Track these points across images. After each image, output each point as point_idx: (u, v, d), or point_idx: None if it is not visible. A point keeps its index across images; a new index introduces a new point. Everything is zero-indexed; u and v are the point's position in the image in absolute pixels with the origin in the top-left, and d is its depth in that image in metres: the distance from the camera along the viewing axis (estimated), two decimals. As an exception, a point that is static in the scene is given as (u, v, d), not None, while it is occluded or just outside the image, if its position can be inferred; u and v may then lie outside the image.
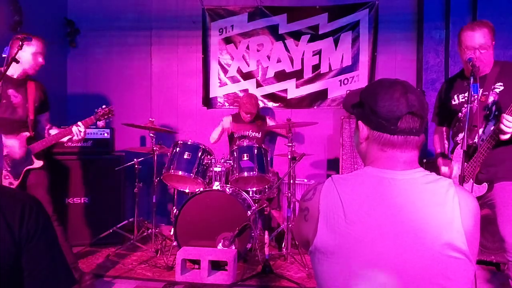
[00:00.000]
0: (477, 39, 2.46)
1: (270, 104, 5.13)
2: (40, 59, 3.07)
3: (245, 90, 5.06)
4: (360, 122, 1.22)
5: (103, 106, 3.33)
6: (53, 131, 3.20)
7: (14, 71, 3.02)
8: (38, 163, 3.04)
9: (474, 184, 2.47)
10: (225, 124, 4.64)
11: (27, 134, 3.02)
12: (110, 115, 3.35)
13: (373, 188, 1.11)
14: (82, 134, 3.13)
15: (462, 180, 2.33)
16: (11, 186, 2.84)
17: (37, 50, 3.03)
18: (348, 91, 4.55)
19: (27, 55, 2.98)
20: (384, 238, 1.05)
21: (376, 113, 1.14)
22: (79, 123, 3.13)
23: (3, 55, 2.78)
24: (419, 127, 1.14)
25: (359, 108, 1.22)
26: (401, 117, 1.12)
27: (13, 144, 2.92)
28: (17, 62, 2.88)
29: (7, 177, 2.91)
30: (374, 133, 1.17)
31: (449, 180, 1.12)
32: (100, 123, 4.51)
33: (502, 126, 2.28)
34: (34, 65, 3.04)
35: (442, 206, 1.07)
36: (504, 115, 2.27)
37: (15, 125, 3.00)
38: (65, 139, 3.14)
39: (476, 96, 2.38)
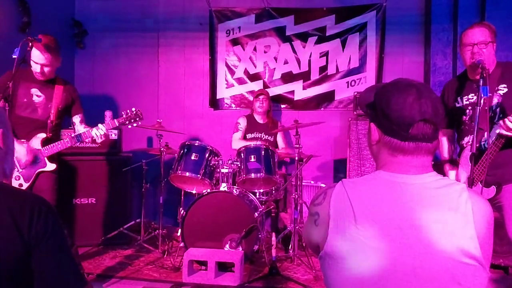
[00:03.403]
0: (475, 36, 2.48)
1: (277, 106, 5.13)
2: (37, 69, 2.95)
3: (252, 92, 5.07)
4: (372, 124, 1.20)
5: (133, 109, 3.21)
6: (83, 131, 3.11)
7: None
8: (50, 166, 3.00)
9: (483, 187, 2.46)
10: (242, 125, 4.65)
11: (43, 135, 2.99)
12: (137, 119, 3.22)
13: (384, 192, 1.10)
14: (102, 137, 3.05)
15: (471, 182, 2.32)
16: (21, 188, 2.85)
17: (36, 60, 2.94)
18: (355, 93, 4.54)
19: (32, 62, 2.95)
20: (395, 244, 1.03)
21: (387, 118, 1.12)
22: (100, 125, 3.05)
23: (13, 56, 2.79)
24: (432, 133, 1.11)
25: (372, 109, 1.20)
26: (413, 124, 1.09)
27: (19, 150, 2.88)
28: (26, 63, 2.90)
29: (17, 178, 2.91)
30: (385, 137, 1.15)
31: (462, 185, 1.10)
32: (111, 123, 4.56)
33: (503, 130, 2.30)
34: (38, 72, 2.98)
35: (455, 211, 1.05)
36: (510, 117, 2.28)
37: (32, 124, 2.99)
38: (87, 139, 3.08)
39: (484, 99, 2.37)
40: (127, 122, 3.20)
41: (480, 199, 1.10)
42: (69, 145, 3.03)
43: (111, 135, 4.31)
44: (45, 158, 2.99)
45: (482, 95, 2.29)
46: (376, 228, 1.05)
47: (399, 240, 1.04)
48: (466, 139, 2.64)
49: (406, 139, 1.11)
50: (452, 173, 2.71)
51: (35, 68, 2.96)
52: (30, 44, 2.84)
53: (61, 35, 4.93)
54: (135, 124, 3.23)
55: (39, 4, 4.36)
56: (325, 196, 1.15)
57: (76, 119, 3.24)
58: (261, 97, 4.61)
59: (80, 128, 3.22)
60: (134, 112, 3.21)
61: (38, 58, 2.93)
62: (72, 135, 3.07)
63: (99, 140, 3.08)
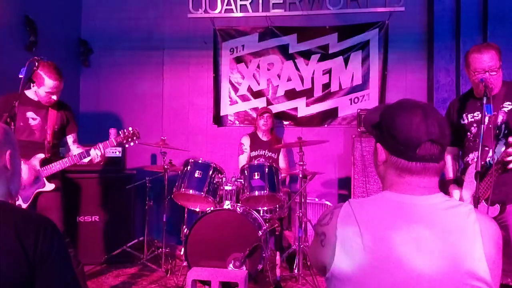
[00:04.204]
0: (486, 62, 2.48)
1: (280, 123, 5.14)
2: (54, 97, 3.02)
3: (255, 109, 5.09)
4: (378, 145, 1.20)
5: (130, 128, 3.25)
6: (77, 151, 3.15)
7: (33, 95, 3.03)
8: (49, 186, 2.99)
9: (486, 205, 2.43)
10: (247, 146, 4.67)
11: (42, 156, 2.99)
12: (135, 138, 3.25)
13: (392, 214, 1.09)
14: (99, 157, 3.07)
15: (476, 201, 2.30)
16: None
17: (51, 90, 2.98)
18: (359, 110, 4.55)
19: (42, 92, 2.97)
20: (403, 266, 1.02)
21: (394, 138, 1.12)
22: (99, 145, 3.08)
23: (20, 76, 2.80)
24: (439, 154, 1.11)
25: (378, 130, 1.20)
26: (420, 145, 1.09)
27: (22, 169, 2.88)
28: (33, 82, 2.91)
29: (16, 198, 2.89)
30: (392, 158, 1.15)
31: (469, 206, 1.10)
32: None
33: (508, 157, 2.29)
34: (47, 100, 3.02)
35: (463, 233, 1.04)
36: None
37: (31, 147, 2.98)
38: (86, 159, 3.08)
39: (489, 117, 2.37)
40: (124, 141, 3.23)
41: (488, 221, 1.10)
42: (68, 165, 3.04)
43: (115, 152, 4.32)
44: (44, 178, 2.98)
45: (486, 113, 2.29)
46: (384, 250, 1.04)
47: (407, 262, 1.02)
48: (470, 156, 2.64)
49: (413, 159, 1.11)
50: (456, 193, 2.69)
51: (54, 98, 3.00)
52: (36, 64, 2.85)
53: (67, 53, 5.02)
54: (132, 143, 3.26)
55: (46, 24, 4.42)
56: (332, 216, 1.14)
57: (69, 139, 3.25)
58: (265, 115, 4.63)
59: (73, 148, 3.24)
60: (131, 131, 3.25)
61: (55, 87, 2.98)
62: (72, 155, 3.07)
63: (96, 160, 3.10)
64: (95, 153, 3.06)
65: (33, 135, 3.03)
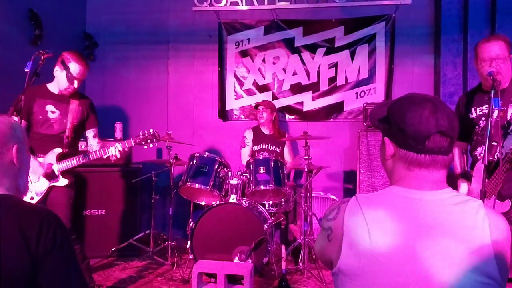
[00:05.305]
0: (493, 50, 2.46)
1: (286, 117, 5.13)
2: (75, 84, 3.01)
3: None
4: (386, 139, 1.19)
5: (150, 130, 3.15)
6: (97, 147, 3.12)
7: (54, 88, 3.05)
8: (63, 181, 2.99)
9: (497, 200, 2.42)
10: (249, 139, 4.64)
11: (59, 150, 2.99)
12: (154, 140, 3.14)
13: (399, 209, 1.08)
14: (117, 155, 3.01)
15: (483, 195, 2.28)
16: (32, 201, 2.84)
17: (75, 75, 2.98)
18: (365, 104, 4.53)
19: (63, 78, 2.98)
20: (411, 262, 1.02)
21: (403, 132, 1.11)
22: (117, 144, 3.03)
23: (26, 70, 2.81)
24: (448, 146, 1.10)
25: (386, 124, 1.19)
26: (429, 137, 1.08)
27: (34, 166, 2.85)
28: (38, 76, 2.91)
29: (30, 190, 2.92)
30: (400, 151, 1.14)
31: (478, 201, 1.08)
32: (118, 135, 4.59)
33: None
34: (67, 87, 3.01)
35: (471, 229, 1.03)
36: None
37: (49, 140, 2.99)
38: (105, 156, 3.03)
39: (496, 110, 2.35)
40: (143, 142, 3.14)
41: (497, 217, 1.09)
42: (84, 161, 3.02)
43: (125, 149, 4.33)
44: (59, 173, 2.98)
45: (494, 107, 2.27)
46: (391, 245, 1.03)
47: (414, 258, 1.02)
48: (479, 149, 2.63)
49: (422, 152, 1.10)
50: (464, 186, 2.67)
51: (73, 83, 3.00)
52: (42, 57, 2.86)
53: (72, 47, 4.97)
54: (151, 145, 3.17)
55: (51, 18, 4.43)
56: (339, 211, 1.13)
57: (89, 133, 3.23)
58: (260, 107, 4.60)
59: (93, 142, 3.22)
60: (152, 133, 3.15)
61: (79, 73, 3.00)
62: (92, 152, 3.05)
63: (113, 158, 3.04)
64: (112, 151, 3.00)
65: (51, 128, 3.03)
